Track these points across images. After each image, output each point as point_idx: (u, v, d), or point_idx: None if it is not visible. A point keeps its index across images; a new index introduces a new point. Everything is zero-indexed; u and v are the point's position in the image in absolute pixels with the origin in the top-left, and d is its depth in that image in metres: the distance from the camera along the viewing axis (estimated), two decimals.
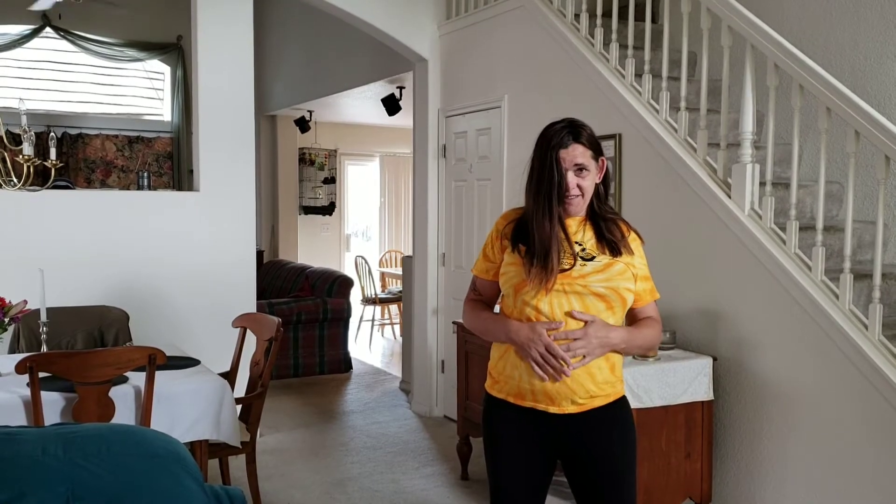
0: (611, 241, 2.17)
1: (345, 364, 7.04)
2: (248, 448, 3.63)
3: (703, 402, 3.34)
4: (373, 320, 8.86)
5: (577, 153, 2.12)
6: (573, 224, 2.18)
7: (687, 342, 3.54)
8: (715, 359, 3.39)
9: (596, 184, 2.18)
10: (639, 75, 3.87)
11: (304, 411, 5.78)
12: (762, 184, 3.34)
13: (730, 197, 3.37)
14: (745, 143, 3.35)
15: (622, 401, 2.20)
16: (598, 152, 2.17)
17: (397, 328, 8.93)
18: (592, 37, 4.11)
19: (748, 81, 3.33)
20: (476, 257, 2.37)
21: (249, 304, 4.84)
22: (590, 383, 2.11)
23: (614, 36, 3.97)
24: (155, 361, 3.05)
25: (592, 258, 2.14)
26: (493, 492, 2.26)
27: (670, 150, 3.60)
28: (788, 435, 3.16)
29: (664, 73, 3.77)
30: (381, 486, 4.25)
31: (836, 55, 3.83)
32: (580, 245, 2.16)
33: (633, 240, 2.22)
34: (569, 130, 2.13)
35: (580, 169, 2.12)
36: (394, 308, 9.07)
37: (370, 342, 8.52)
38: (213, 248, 4.83)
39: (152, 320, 4.57)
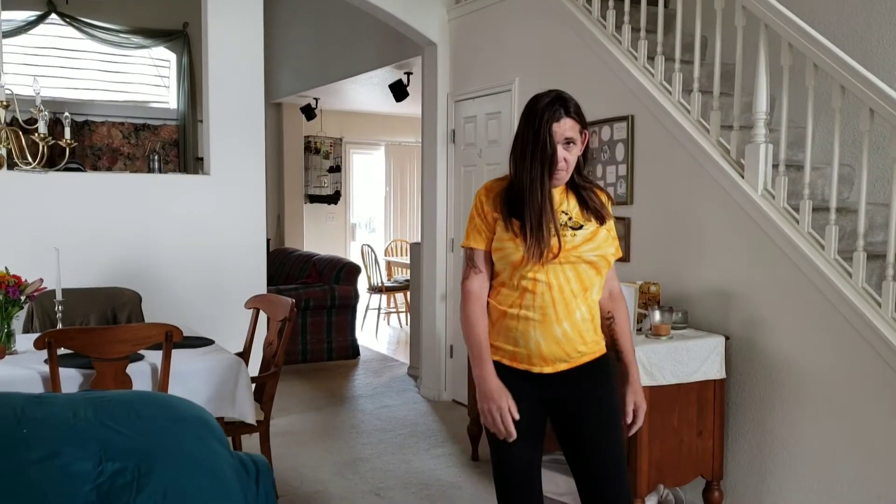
0: (594, 210, 2.27)
1: (352, 350, 7.07)
2: (263, 427, 3.66)
3: (715, 380, 3.36)
4: (379, 309, 8.89)
5: (567, 127, 2.16)
6: (556, 194, 2.24)
7: (699, 322, 3.56)
8: (727, 338, 3.40)
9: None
10: (651, 58, 3.87)
11: (314, 395, 5.81)
12: (775, 166, 3.35)
13: (743, 177, 3.38)
14: (758, 123, 3.36)
15: (605, 356, 2.32)
16: (583, 125, 2.22)
17: (403, 317, 8.95)
18: (604, 19, 4.12)
19: (762, 61, 3.34)
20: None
21: (260, 286, 4.86)
22: (580, 344, 2.24)
23: (626, 18, 3.98)
24: (171, 338, 3.07)
25: (581, 227, 2.24)
26: (496, 450, 2.29)
27: (683, 131, 3.61)
28: (800, 412, 3.18)
29: (677, 56, 3.77)
30: (393, 466, 4.27)
31: (848, 38, 3.83)
32: (566, 214, 2.24)
33: (607, 202, 2.34)
34: (560, 104, 2.16)
35: (568, 142, 2.17)
36: (400, 297, 9.09)
37: (376, 330, 8.55)
38: (223, 230, 4.85)
39: (164, 302, 4.59)
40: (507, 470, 2.27)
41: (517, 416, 2.18)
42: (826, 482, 3.09)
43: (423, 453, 4.49)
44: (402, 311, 9.02)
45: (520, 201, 2.18)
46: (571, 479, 3.70)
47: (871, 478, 2.93)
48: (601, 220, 2.26)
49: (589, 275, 2.23)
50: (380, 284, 8.63)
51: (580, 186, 2.27)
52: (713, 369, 3.34)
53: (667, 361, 3.25)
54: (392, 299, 9.26)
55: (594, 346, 2.28)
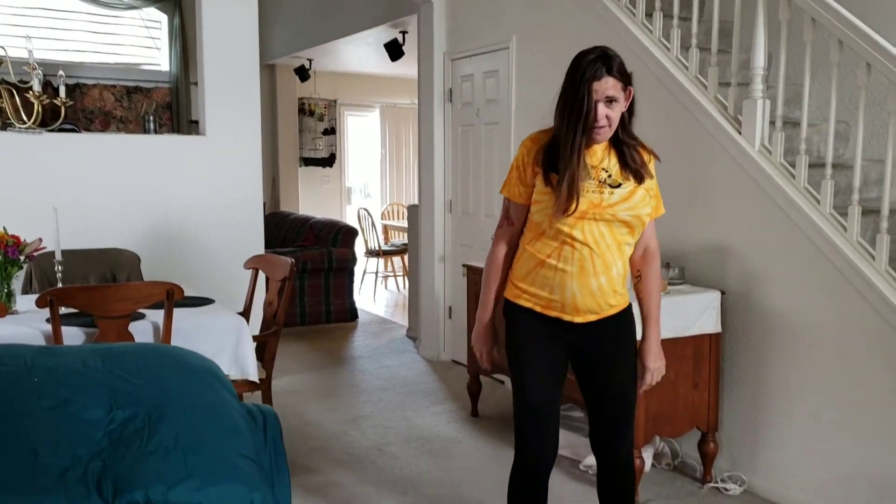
0: (634, 170, 2.29)
1: (350, 313, 7.10)
2: (264, 385, 3.70)
3: (711, 334, 3.40)
4: (376, 273, 8.91)
5: (608, 86, 2.17)
6: (598, 150, 2.27)
7: (696, 277, 3.59)
8: (723, 292, 3.44)
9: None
10: (649, 14, 3.86)
11: (314, 356, 5.86)
12: (772, 122, 3.36)
13: (740, 133, 3.39)
14: (756, 78, 3.36)
15: (629, 308, 2.43)
16: (627, 83, 2.23)
17: (401, 280, 8.99)
18: None
19: (760, 17, 3.33)
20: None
21: (258, 247, 4.88)
22: (611, 298, 2.33)
23: None
24: (173, 297, 3.09)
25: (619, 185, 2.27)
26: (518, 384, 2.42)
27: (681, 87, 3.61)
28: (794, 365, 3.23)
29: (675, 12, 3.75)
30: (394, 423, 4.34)
31: None
32: (606, 172, 2.27)
33: (650, 161, 2.36)
34: (602, 62, 2.18)
35: (610, 101, 2.19)
36: (397, 260, 9.11)
37: (374, 294, 8.58)
38: (220, 191, 4.86)
39: (163, 263, 4.61)
40: (527, 402, 2.39)
41: (487, 366, 2.50)
42: (819, 434, 3.15)
43: (424, 410, 4.55)
44: (399, 275, 9.05)
45: (561, 154, 2.23)
46: (570, 434, 3.77)
47: (864, 430, 2.99)
48: (640, 179, 2.29)
49: (622, 232, 2.29)
50: (377, 248, 8.65)
51: (623, 143, 2.29)
52: (709, 324, 3.38)
53: (664, 316, 3.23)
54: (389, 263, 9.28)
55: (621, 300, 2.38)
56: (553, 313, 2.33)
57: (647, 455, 3.62)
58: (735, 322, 3.46)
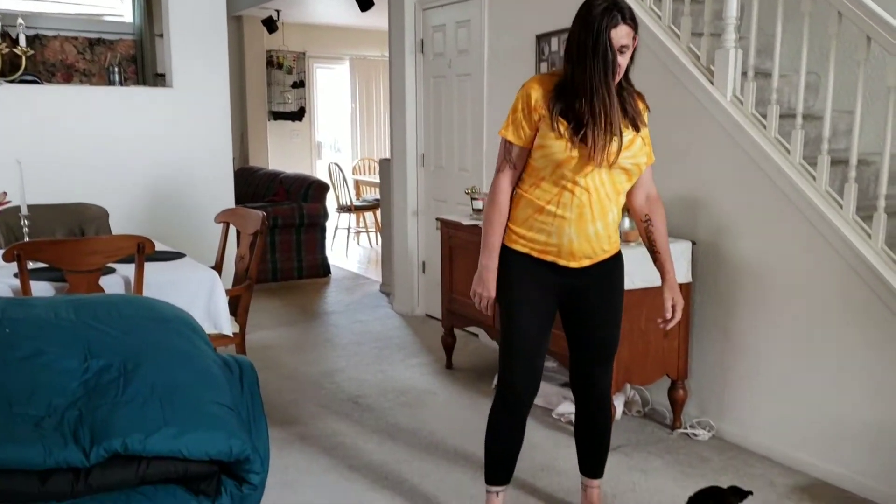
0: (632, 117, 2.35)
1: (323, 269, 7.08)
2: (238, 339, 3.69)
3: (681, 284, 3.43)
4: (349, 228, 8.87)
5: (623, 33, 2.21)
6: None
7: (668, 228, 3.61)
8: (694, 243, 3.48)
9: None
10: None
11: (287, 311, 5.85)
12: (744, 73, 3.37)
13: (712, 83, 3.40)
14: (728, 28, 3.35)
15: (620, 253, 2.54)
16: (636, 30, 2.26)
17: (373, 236, 8.96)
18: None
19: None
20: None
21: (228, 201, 4.83)
22: (606, 243, 2.43)
23: None
24: (144, 250, 3.06)
25: (620, 133, 2.30)
26: (507, 321, 2.47)
27: (654, 36, 3.59)
28: (762, 314, 3.29)
29: None
30: (369, 375, 4.36)
31: None
32: None
33: (644, 111, 2.41)
34: (616, 10, 2.20)
35: (622, 48, 2.22)
36: (369, 216, 9.07)
37: (347, 250, 8.56)
38: (189, 145, 4.78)
39: (132, 218, 4.55)
40: (515, 338, 2.46)
41: (487, 312, 2.43)
42: (785, 380, 3.23)
43: (398, 364, 4.58)
44: (371, 231, 9.02)
45: (572, 102, 2.25)
46: (543, 384, 3.82)
47: (827, 376, 3.07)
48: (636, 127, 2.34)
49: (621, 180, 2.36)
50: (349, 203, 8.60)
51: (623, 89, 2.33)
52: (680, 273, 3.41)
53: (635, 266, 3.31)
54: (361, 219, 9.25)
55: (615, 246, 2.48)
56: (549, 258, 2.39)
57: (619, 403, 3.69)
58: (705, 272, 3.51)
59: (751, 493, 2.22)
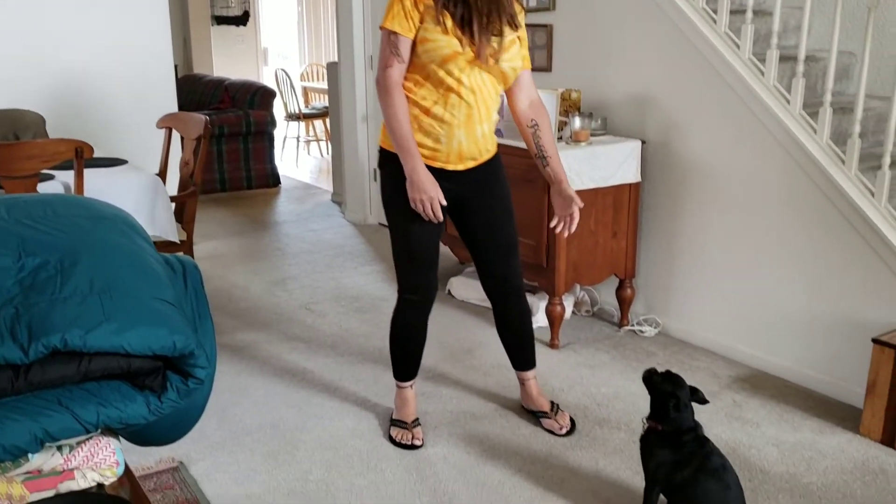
0: (510, 17, 2.35)
1: (272, 179, 6.97)
2: (186, 247, 3.63)
3: (630, 184, 3.47)
4: (298, 137, 8.70)
5: None
6: None
7: (618, 128, 3.62)
8: (644, 142, 3.49)
9: None
10: None
11: (236, 221, 5.77)
12: None
13: None
14: None
15: (499, 154, 2.57)
16: None
17: (324, 145, 8.80)
18: None
19: None
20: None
21: (170, 106, 4.66)
22: (491, 144, 2.48)
23: None
24: (82, 155, 2.95)
25: (501, 34, 2.33)
26: (401, 231, 2.49)
27: None
28: (709, 212, 3.35)
29: None
30: (322, 283, 4.36)
31: None
32: None
33: (520, 12, 2.42)
34: None
35: None
36: (319, 125, 8.89)
37: (297, 159, 8.41)
38: (125, 47, 4.56)
39: (69, 125, 4.37)
40: (409, 245, 2.50)
41: (444, 203, 2.37)
42: (729, 277, 3.31)
43: (351, 271, 4.58)
44: (321, 140, 8.86)
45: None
46: None
47: (771, 272, 3.16)
48: (513, 27, 2.36)
49: (494, 83, 2.39)
50: (297, 112, 8.40)
51: None
52: (629, 173, 3.44)
53: (585, 166, 3.33)
54: (311, 127, 9.06)
55: (495, 146, 2.53)
56: (437, 164, 2.39)
57: (568, 303, 3.77)
58: (654, 171, 3.54)
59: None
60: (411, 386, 2.77)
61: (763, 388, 3.08)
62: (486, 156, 2.47)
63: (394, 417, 2.75)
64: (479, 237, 2.58)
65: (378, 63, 2.36)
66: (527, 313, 2.74)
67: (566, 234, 2.54)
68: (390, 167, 2.43)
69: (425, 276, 2.55)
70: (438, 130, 2.35)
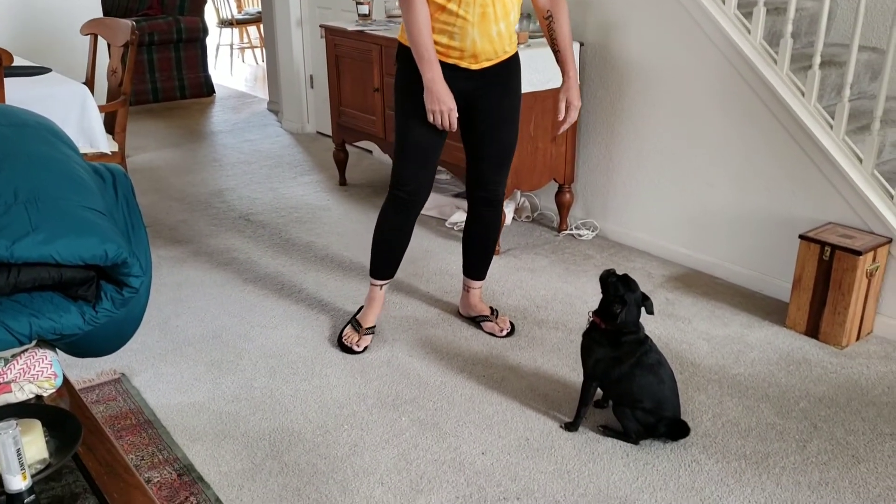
0: None
1: (206, 88, 6.74)
2: (118, 158, 3.52)
3: None
4: (231, 45, 8.38)
5: None
6: None
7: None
8: (582, 44, 3.47)
9: None
10: None
11: (170, 132, 5.60)
12: None
13: None
14: None
15: (518, 55, 2.55)
16: None
17: (259, 53, 8.51)
18: None
19: None
20: None
21: (94, 10, 4.43)
22: (507, 44, 2.44)
23: None
24: (1, 62, 2.80)
25: None
26: (405, 130, 2.48)
27: None
28: (645, 115, 3.38)
29: None
30: (260, 194, 4.30)
31: None
32: None
33: None
34: None
35: None
36: (253, 30, 8.57)
37: (231, 67, 8.12)
38: None
39: None
40: (411, 141, 2.49)
41: (457, 115, 2.40)
42: (663, 178, 3.37)
43: (290, 181, 4.52)
44: (256, 47, 8.56)
45: None
46: (438, 195, 3.87)
47: (703, 172, 3.22)
48: None
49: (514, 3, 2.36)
50: (230, 17, 8.06)
51: None
52: None
53: (524, 70, 3.29)
54: (245, 34, 8.72)
55: (514, 47, 2.49)
56: (451, 61, 2.38)
57: (509, 210, 3.80)
58: (593, 74, 3.53)
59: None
60: (381, 287, 2.75)
61: (695, 286, 3.19)
62: (503, 56, 2.45)
63: (355, 316, 2.78)
64: (478, 139, 2.57)
65: None
66: (498, 226, 2.80)
67: (557, 131, 2.60)
68: (405, 63, 2.43)
69: (415, 173, 2.53)
70: (452, 28, 2.33)
